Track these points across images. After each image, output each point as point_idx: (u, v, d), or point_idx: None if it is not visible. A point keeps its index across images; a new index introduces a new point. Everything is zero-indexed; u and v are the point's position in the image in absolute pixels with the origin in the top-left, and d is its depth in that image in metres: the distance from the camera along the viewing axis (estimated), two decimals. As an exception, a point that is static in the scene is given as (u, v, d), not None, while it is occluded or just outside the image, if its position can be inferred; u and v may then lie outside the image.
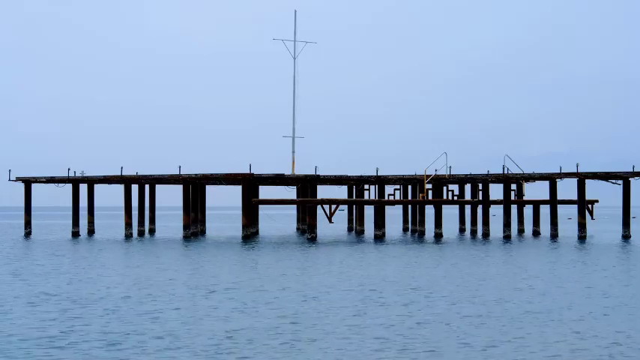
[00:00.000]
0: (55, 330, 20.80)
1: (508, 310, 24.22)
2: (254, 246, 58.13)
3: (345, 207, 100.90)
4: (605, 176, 65.09)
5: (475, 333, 20.39)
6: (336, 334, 20.11)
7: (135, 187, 74.82)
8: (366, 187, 77.85)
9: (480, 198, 71.60)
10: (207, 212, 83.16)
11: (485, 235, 70.16)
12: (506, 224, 69.87)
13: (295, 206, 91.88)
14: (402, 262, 43.11)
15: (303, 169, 76.05)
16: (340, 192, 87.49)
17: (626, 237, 66.43)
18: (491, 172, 69.60)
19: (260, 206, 75.53)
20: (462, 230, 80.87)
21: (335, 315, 23.30)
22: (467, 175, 70.42)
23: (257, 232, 74.74)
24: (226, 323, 21.82)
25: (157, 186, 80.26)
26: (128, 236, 71.49)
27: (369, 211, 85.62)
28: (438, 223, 69.84)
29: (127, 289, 30.00)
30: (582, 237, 65.60)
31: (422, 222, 73.10)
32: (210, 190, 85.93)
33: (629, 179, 64.67)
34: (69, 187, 74.61)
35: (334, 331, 20.54)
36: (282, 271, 37.30)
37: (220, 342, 19.14)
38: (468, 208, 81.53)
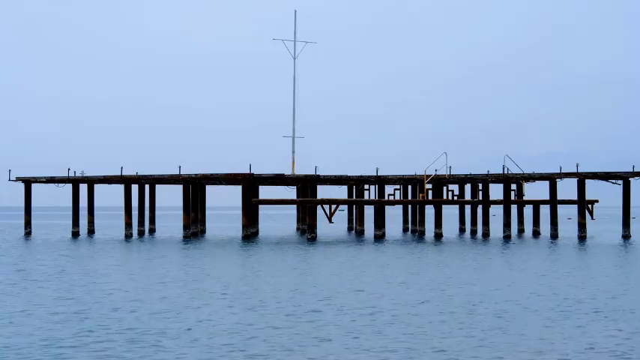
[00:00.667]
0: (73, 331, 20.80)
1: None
2: (255, 247, 58.13)
3: (345, 207, 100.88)
4: (605, 176, 65.07)
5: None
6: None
7: (135, 187, 74.84)
8: (366, 187, 77.84)
9: (480, 198, 71.59)
10: (207, 212, 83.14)
11: (486, 235, 70.15)
12: (506, 224, 69.84)
13: (295, 206, 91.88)
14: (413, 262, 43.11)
15: (303, 169, 76.16)
16: (340, 192, 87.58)
17: (626, 237, 66.41)
18: (491, 172, 69.59)
19: (260, 206, 75.51)
20: (462, 230, 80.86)
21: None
22: (467, 175, 70.41)
23: (257, 232, 74.72)
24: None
25: (157, 186, 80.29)
26: (128, 236, 71.46)
27: (369, 211, 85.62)
28: (438, 223, 69.84)
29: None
30: (582, 237, 65.58)
31: (422, 222, 73.08)
32: (210, 190, 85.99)
33: (629, 179, 64.65)
34: (69, 187, 74.64)
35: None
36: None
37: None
38: (468, 208, 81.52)
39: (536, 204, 75.58)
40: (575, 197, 67.95)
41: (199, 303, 26.02)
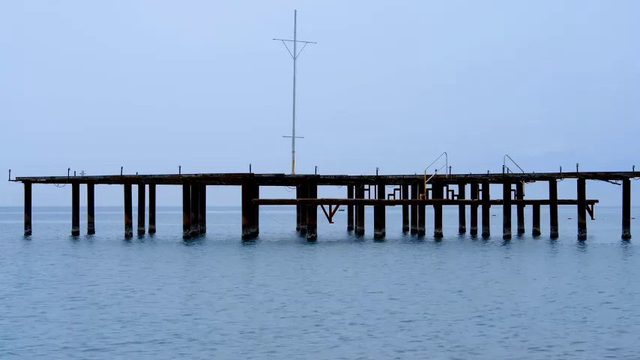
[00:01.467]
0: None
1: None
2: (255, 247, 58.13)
3: (345, 207, 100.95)
4: (605, 176, 65.09)
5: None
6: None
7: (135, 187, 74.89)
8: (366, 187, 77.90)
9: (480, 198, 71.60)
10: (207, 212, 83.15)
11: (486, 235, 70.16)
12: (506, 224, 69.84)
13: (295, 206, 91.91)
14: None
15: (303, 169, 76.19)
16: (340, 192, 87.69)
17: (626, 237, 66.42)
18: (491, 172, 69.61)
19: (260, 206, 75.54)
20: (462, 230, 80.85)
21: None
22: (467, 175, 70.43)
23: (257, 232, 74.76)
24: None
25: (157, 186, 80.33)
26: (128, 236, 71.48)
27: (369, 211, 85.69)
28: (438, 223, 69.84)
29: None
30: (582, 237, 65.58)
31: (422, 222, 73.09)
32: (210, 190, 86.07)
33: (629, 179, 64.66)
34: (69, 187, 74.70)
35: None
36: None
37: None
38: (468, 208, 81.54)
39: (536, 204, 75.60)
40: (575, 197, 68.00)
41: (209, 306, 26.02)
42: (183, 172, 68.75)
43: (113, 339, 19.51)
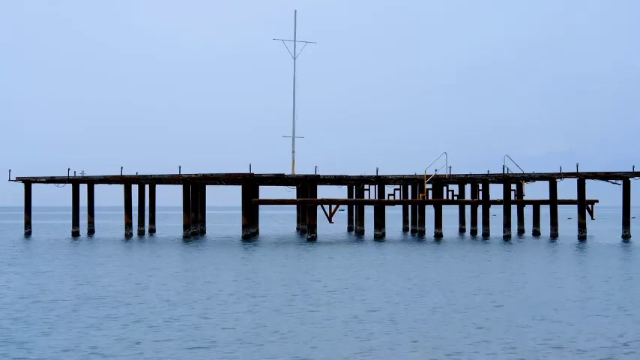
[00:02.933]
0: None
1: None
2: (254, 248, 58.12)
3: (345, 207, 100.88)
4: (605, 176, 65.10)
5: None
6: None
7: (135, 187, 74.87)
8: (366, 187, 77.91)
9: (480, 198, 71.60)
10: (207, 212, 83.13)
11: (486, 235, 70.17)
12: (506, 224, 69.86)
13: (295, 206, 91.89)
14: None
15: (303, 169, 76.19)
16: (340, 192, 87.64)
17: (626, 237, 66.43)
18: (491, 172, 69.61)
19: (260, 206, 75.53)
20: (462, 230, 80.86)
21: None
22: (467, 175, 70.43)
23: (257, 232, 74.77)
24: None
25: (157, 186, 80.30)
26: (128, 236, 71.49)
27: (369, 211, 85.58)
28: (438, 223, 69.84)
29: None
30: (582, 237, 65.59)
31: (422, 222, 73.08)
32: (210, 190, 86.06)
33: (629, 179, 64.67)
34: (69, 187, 74.69)
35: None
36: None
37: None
38: (468, 208, 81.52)
39: (536, 204, 75.58)
40: (575, 197, 67.99)
41: (218, 306, 26.03)
42: (183, 172, 68.79)
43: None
